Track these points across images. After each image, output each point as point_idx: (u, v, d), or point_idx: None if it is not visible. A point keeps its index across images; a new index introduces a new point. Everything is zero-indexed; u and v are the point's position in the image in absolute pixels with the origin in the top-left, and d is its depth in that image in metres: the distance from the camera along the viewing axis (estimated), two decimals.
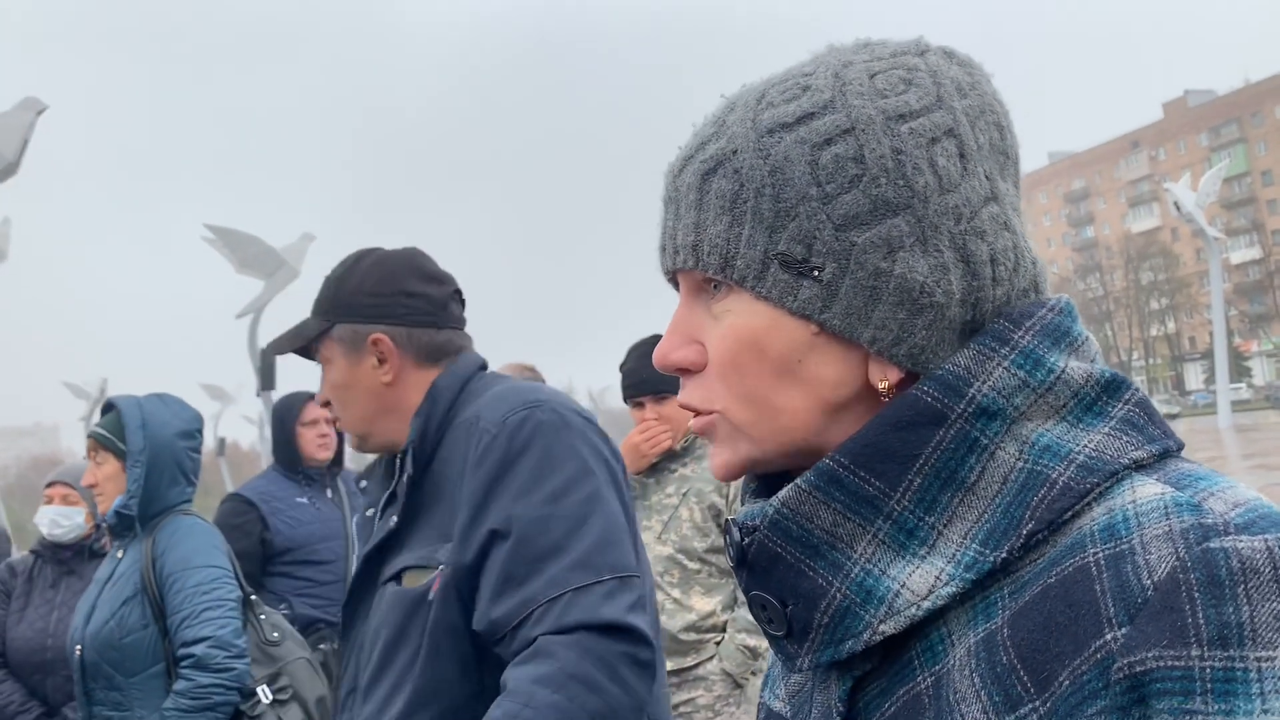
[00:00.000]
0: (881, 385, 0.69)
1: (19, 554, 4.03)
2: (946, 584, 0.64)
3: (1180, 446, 0.67)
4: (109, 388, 49.99)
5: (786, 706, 0.79)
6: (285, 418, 3.99)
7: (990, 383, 0.66)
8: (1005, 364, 0.67)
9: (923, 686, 0.66)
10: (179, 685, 2.63)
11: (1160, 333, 79.74)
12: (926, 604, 0.64)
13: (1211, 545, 0.56)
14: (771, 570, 0.69)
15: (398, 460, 1.65)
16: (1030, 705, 0.59)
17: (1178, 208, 32.70)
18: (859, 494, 0.67)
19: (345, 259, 1.72)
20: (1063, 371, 0.67)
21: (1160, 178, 75.91)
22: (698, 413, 0.75)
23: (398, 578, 1.56)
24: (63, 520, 3.51)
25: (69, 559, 3.52)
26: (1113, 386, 0.68)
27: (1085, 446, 0.65)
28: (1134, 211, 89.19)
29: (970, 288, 0.68)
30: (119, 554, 2.76)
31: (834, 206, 0.67)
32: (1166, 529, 0.58)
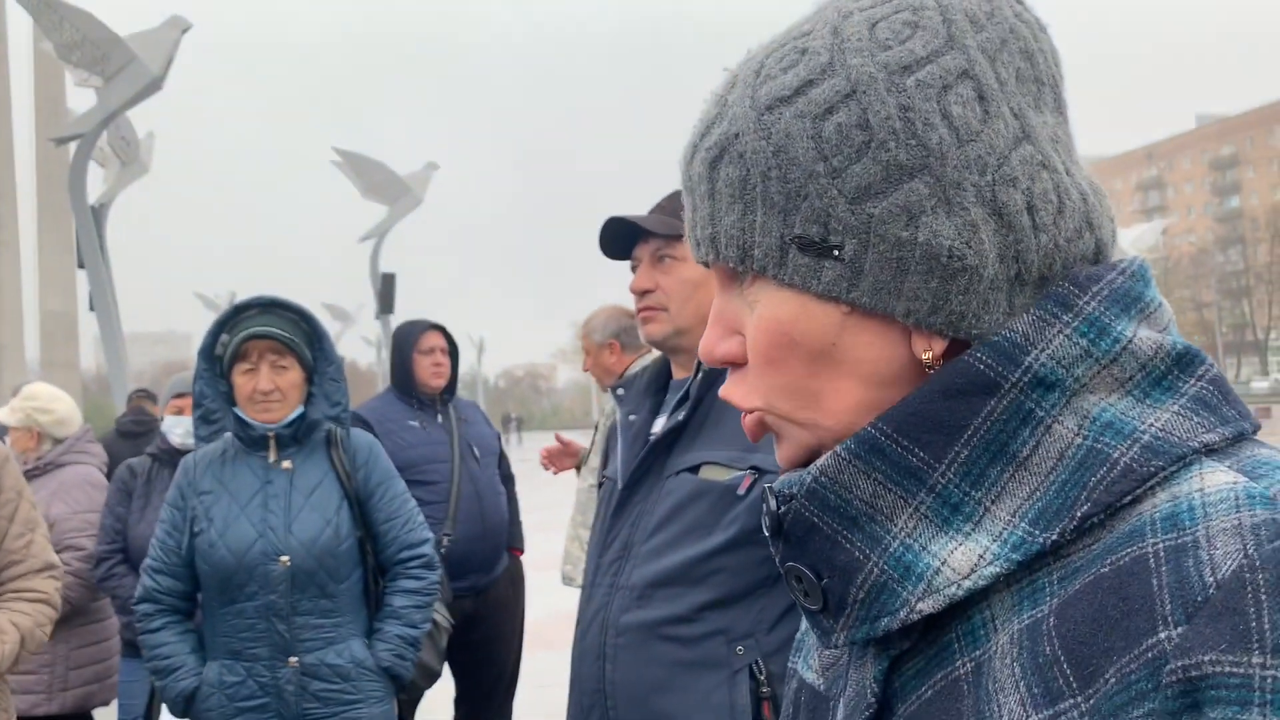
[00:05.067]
0: (925, 356, 0.64)
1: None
2: (990, 564, 0.60)
3: (1256, 428, 0.62)
4: (237, 301, 51.87)
5: (820, 679, 0.76)
6: (403, 344, 4.16)
7: (1049, 351, 0.61)
8: (1067, 331, 0.62)
9: (961, 672, 0.62)
10: (411, 585, 2.73)
11: None
12: (967, 584, 0.60)
13: None
14: (807, 541, 0.66)
15: (692, 368, 1.90)
16: (1071, 701, 0.55)
17: None
18: (901, 464, 0.63)
19: None
20: (1130, 341, 0.62)
21: None
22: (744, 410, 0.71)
23: (694, 469, 1.78)
24: None
25: None
26: (1185, 360, 0.62)
27: (1151, 425, 0.60)
28: None
29: (1007, 241, 0.63)
30: (284, 464, 2.66)
31: (844, 180, 0.63)
32: (1236, 523, 0.53)
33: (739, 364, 0.71)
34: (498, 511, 4.18)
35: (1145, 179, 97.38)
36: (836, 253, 0.64)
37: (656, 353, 3.81)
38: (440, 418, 4.18)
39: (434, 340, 4.18)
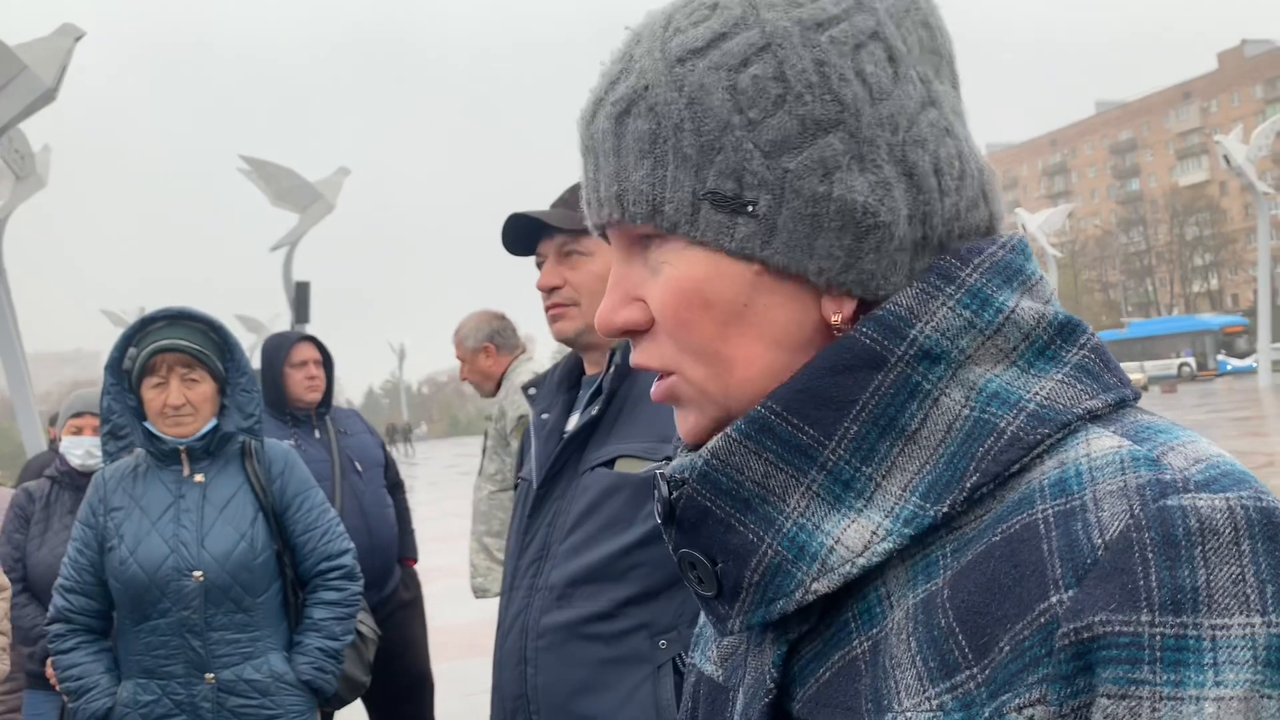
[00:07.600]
0: (835, 319, 0.63)
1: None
2: (883, 540, 0.60)
3: (1137, 396, 0.63)
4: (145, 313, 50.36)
5: (719, 670, 0.75)
6: (273, 358, 3.92)
7: (934, 323, 0.61)
8: (950, 303, 0.62)
9: (859, 651, 0.61)
10: (331, 596, 2.68)
11: (1203, 289, 78.36)
12: (861, 561, 0.60)
13: (1169, 503, 0.52)
14: (700, 526, 0.65)
15: (604, 364, 1.86)
16: (968, 673, 0.55)
17: (1228, 161, 31.96)
18: (792, 443, 0.62)
19: None
20: (1012, 311, 0.62)
21: (1211, 130, 74.08)
22: (659, 375, 0.69)
23: (609, 463, 1.74)
24: (96, 451, 3.49)
25: (85, 486, 3.54)
26: (1067, 330, 0.63)
27: (1036, 394, 0.60)
28: (1182, 165, 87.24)
29: (916, 202, 0.63)
30: (197, 478, 2.61)
31: (760, 133, 0.62)
32: (1121, 485, 0.54)
33: (639, 331, 0.68)
34: (385, 526, 4.00)
35: (1050, 165, 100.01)
36: (750, 209, 0.62)
37: (532, 355, 3.75)
38: (318, 433, 3.96)
39: (306, 352, 3.95)
